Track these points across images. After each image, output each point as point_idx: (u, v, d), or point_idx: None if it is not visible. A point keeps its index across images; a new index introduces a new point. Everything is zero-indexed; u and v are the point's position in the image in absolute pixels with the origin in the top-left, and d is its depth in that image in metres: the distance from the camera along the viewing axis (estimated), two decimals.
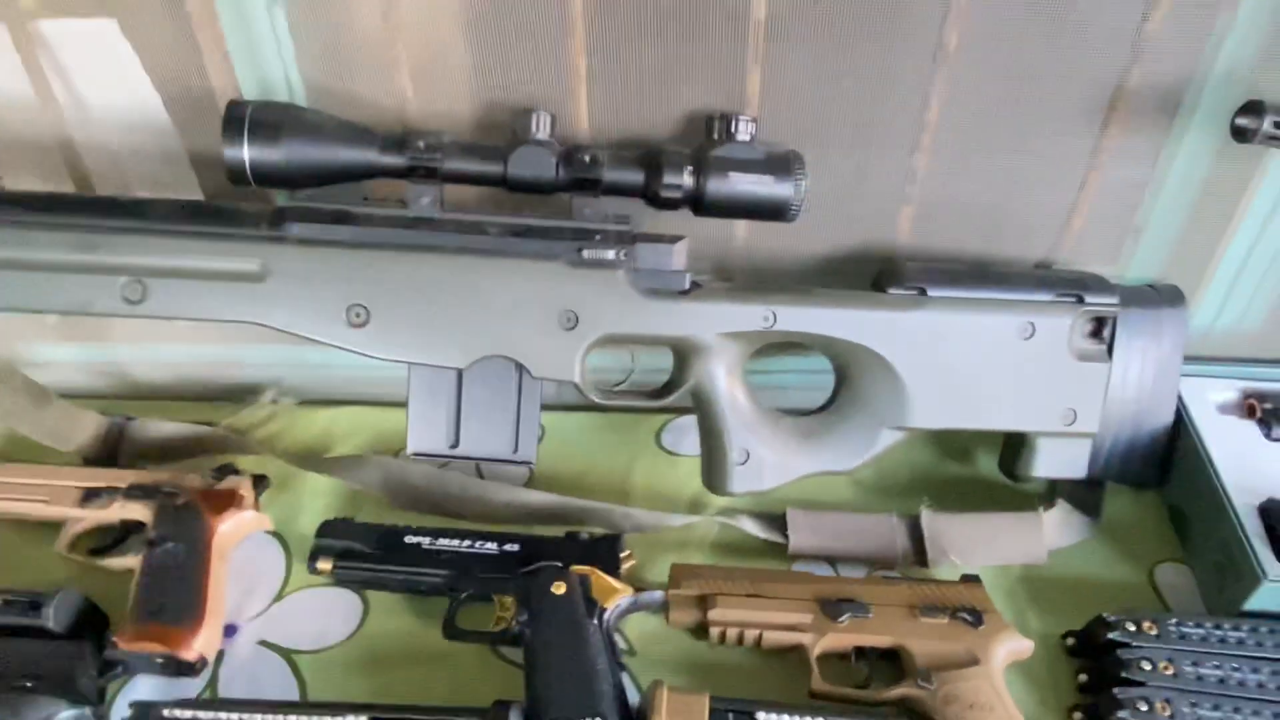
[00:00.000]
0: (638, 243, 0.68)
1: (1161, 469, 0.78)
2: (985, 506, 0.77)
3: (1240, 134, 0.65)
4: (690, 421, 0.85)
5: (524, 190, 0.66)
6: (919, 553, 0.74)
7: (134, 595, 0.67)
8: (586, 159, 0.65)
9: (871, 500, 0.80)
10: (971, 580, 0.70)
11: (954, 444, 0.85)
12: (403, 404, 0.87)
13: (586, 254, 0.67)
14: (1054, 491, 0.78)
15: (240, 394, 0.88)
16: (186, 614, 0.66)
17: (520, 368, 0.68)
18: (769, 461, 0.72)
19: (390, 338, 0.65)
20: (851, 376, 0.73)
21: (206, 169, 0.77)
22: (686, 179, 0.66)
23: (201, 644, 0.65)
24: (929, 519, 0.74)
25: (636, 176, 0.66)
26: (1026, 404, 0.73)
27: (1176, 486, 0.78)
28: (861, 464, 0.74)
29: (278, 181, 0.63)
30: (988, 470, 0.83)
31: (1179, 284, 0.79)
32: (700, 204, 0.67)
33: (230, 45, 0.70)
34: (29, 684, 0.61)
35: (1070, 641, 0.69)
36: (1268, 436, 0.78)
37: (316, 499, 0.79)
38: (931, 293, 0.71)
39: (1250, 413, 0.79)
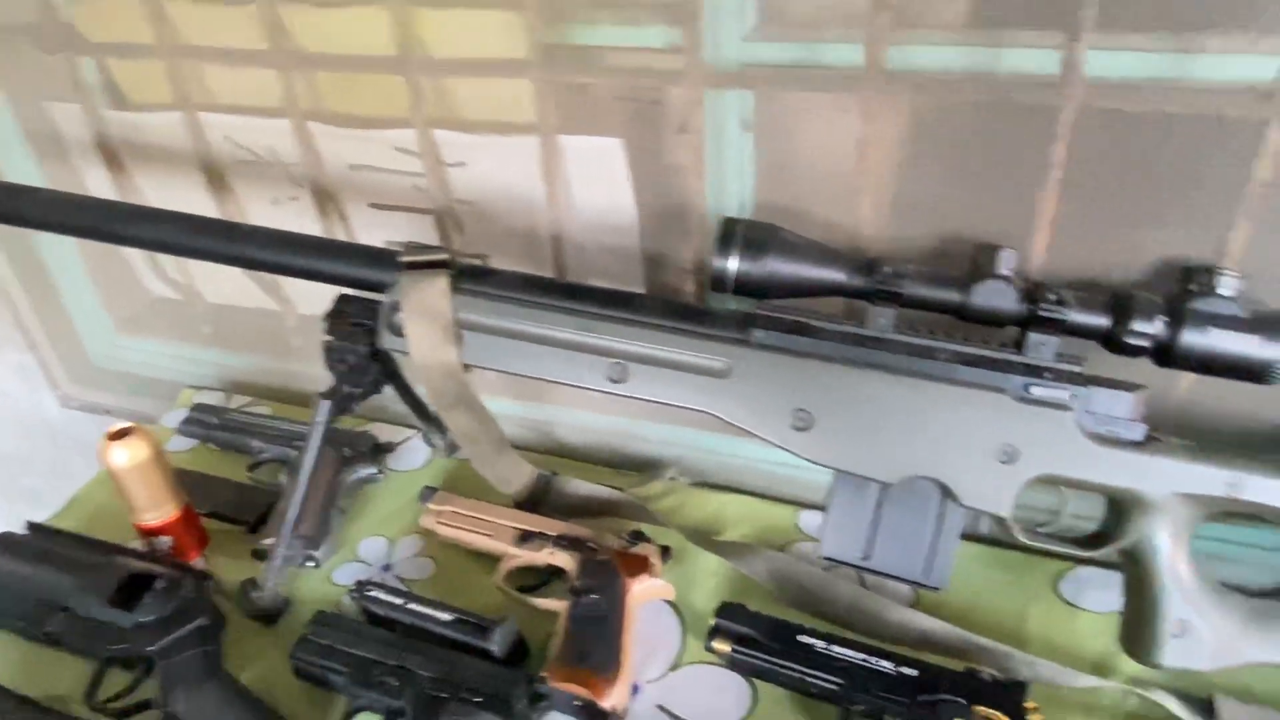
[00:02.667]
0: (1093, 386, 0.66)
1: None
2: None
3: None
4: (1093, 574, 0.81)
5: (978, 321, 0.68)
6: None
7: (562, 638, 0.75)
8: (1053, 297, 0.66)
9: None
10: None
11: None
12: (786, 501, 0.92)
13: (1035, 391, 0.67)
14: None
15: (642, 465, 0.97)
16: (608, 664, 0.72)
17: (946, 493, 0.68)
18: (1209, 640, 0.66)
19: (828, 444, 0.69)
20: None
21: (653, 267, 0.88)
22: (1158, 328, 0.64)
23: (616, 696, 0.71)
24: None
25: (1102, 320, 0.65)
26: None
27: None
28: None
29: (752, 292, 0.69)
30: None
31: None
32: (1168, 356, 0.64)
33: (705, 166, 0.79)
34: (477, 699, 0.70)
35: None
36: None
37: (708, 578, 0.84)
38: None
39: None
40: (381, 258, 0.74)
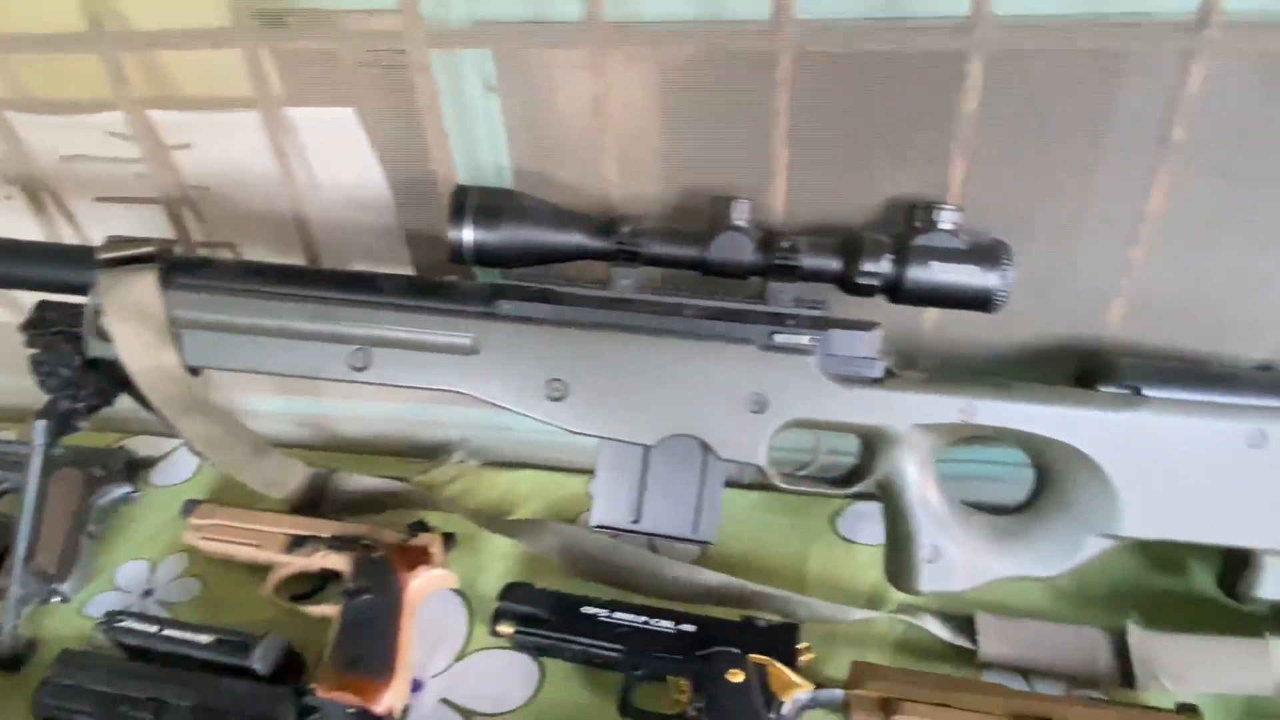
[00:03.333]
0: (830, 328, 0.67)
1: None
2: (1200, 626, 0.70)
3: None
4: (868, 509, 0.83)
5: (720, 274, 0.67)
6: (1125, 673, 0.68)
7: (332, 644, 0.70)
8: (785, 245, 0.66)
9: (1068, 609, 0.75)
10: (1190, 711, 0.64)
11: (1164, 554, 0.78)
12: (580, 470, 0.90)
13: (778, 339, 0.67)
14: None
15: (432, 452, 0.93)
16: (380, 667, 0.69)
17: (706, 448, 0.68)
18: (961, 561, 0.69)
19: (585, 412, 0.67)
20: (1054, 477, 0.69)
21: (419, 244, 0.83)
22: (885, 266, 0.65)
23: (391, 698, 0.68)
24: (1138, 636, 0.68)
25: (834, 263, 0.66)
26: (1254, 518, 0.66)
27: None
28: (1064, 571, 0.69)
29: (493, 261, 0.67)
30: (1203, 586, 0.75)
31: None
32: (898, 292, 0.66)
33: (450, 132, 0.75)
34: None
35: None
36: None
37: (497, 560, 0.81)
38: (1147, 392, 0.67)
39: None
40: (77, 256, 0.67)
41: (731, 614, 0.73)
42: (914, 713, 0.64)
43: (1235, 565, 0.71)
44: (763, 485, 0.85)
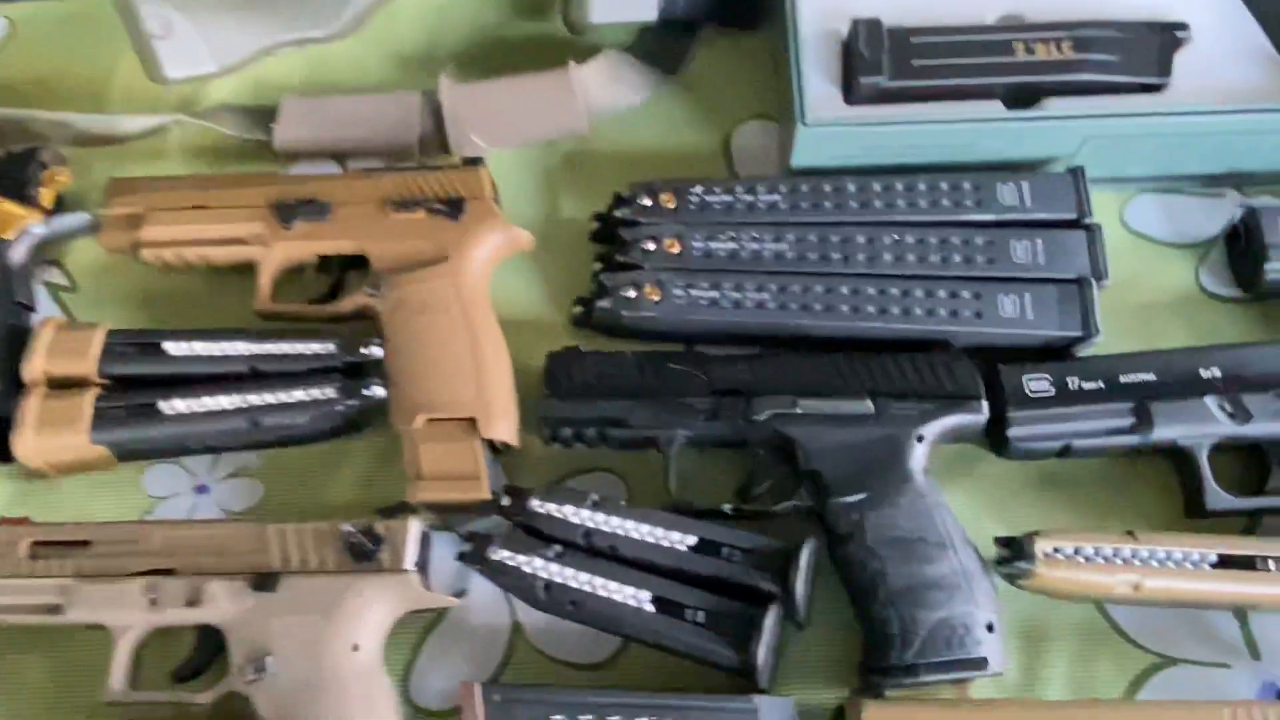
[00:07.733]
0: None
1: (758, 6, 0.62)
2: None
3: None
4: None
5: None
6: (441, 137, 0.60)
7: None
8: None
9: (411, 78, 0.64)
10: (473, 163, 0.57)
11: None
12: None
13: None
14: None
15: None
16: None
17: None
18: (209, 34, 0.55)
19: None
20: None
21: None
22: None
23: None
24: (449, 92, 0.59)
25: None
26: None
27: (776, 26, 0.63)
28: (345, 27, 0.57)
29: None
30: (550, 28, 0.65)
31: None
32: None
33: None
34: None
35: (595, 225, 0.58)
36: None
37: None
38: None
39: None
40: None
41: None
42: (161, 221, 0.54)
43: None
44: None
